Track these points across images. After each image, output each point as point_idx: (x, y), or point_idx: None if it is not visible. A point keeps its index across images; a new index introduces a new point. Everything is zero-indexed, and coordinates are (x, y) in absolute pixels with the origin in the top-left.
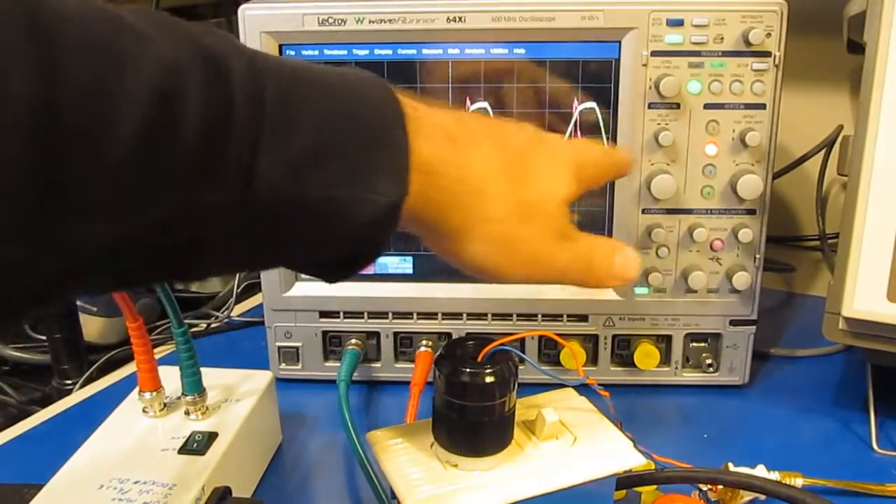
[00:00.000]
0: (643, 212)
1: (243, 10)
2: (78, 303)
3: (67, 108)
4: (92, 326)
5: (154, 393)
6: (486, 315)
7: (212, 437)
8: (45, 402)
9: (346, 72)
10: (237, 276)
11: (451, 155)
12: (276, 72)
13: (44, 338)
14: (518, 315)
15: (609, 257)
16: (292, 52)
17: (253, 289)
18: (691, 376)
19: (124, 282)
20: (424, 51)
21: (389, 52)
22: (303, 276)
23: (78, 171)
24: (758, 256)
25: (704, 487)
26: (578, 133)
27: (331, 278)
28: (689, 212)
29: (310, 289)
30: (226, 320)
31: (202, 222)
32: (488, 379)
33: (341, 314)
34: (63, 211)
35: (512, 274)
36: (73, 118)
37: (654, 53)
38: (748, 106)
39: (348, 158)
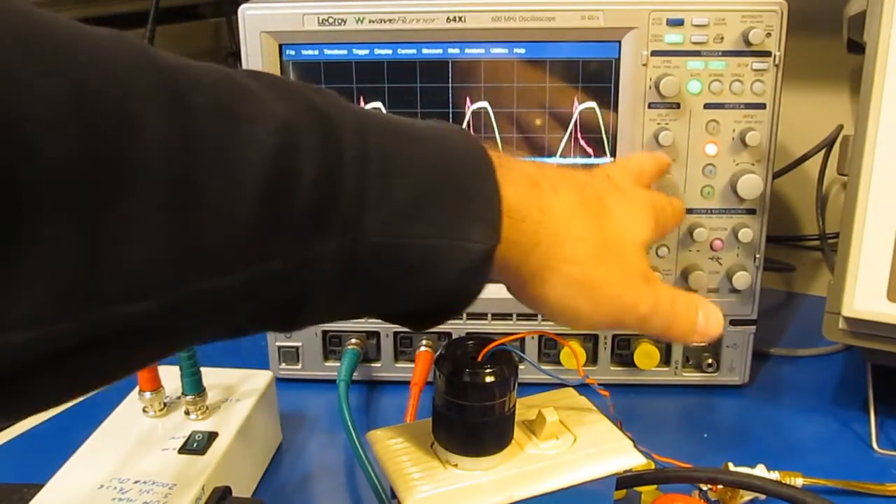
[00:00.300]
0: None
1: (243, 10)
2: None
3: (202, 174)
4: None
5: (154, 393)
6: (485, 315)
7: (212, 436)
8: None
9: (437, 125)
10: None
11: (534, 199)
12: (379, 128)
13: None
14: (518, 315)
15: (693, 312)
16: (292, 52)
17: None
18: (691, 376)
19: (234, 333)
20: (424, 50)
21: (389, 51)
22: None
23: (208, 231)
24: (758, 256)
25: (704, 487)
26: (579, 133)
27: (422, 327)
28: (689, 211)
29: None
30: None
31: (312, 274)
32: (488, 379)
33: None
34: (195, 268)
35: (592, 317)
36: (207, 183)
37: (654, 53)
38: (748, 106)
39: (445, 210)
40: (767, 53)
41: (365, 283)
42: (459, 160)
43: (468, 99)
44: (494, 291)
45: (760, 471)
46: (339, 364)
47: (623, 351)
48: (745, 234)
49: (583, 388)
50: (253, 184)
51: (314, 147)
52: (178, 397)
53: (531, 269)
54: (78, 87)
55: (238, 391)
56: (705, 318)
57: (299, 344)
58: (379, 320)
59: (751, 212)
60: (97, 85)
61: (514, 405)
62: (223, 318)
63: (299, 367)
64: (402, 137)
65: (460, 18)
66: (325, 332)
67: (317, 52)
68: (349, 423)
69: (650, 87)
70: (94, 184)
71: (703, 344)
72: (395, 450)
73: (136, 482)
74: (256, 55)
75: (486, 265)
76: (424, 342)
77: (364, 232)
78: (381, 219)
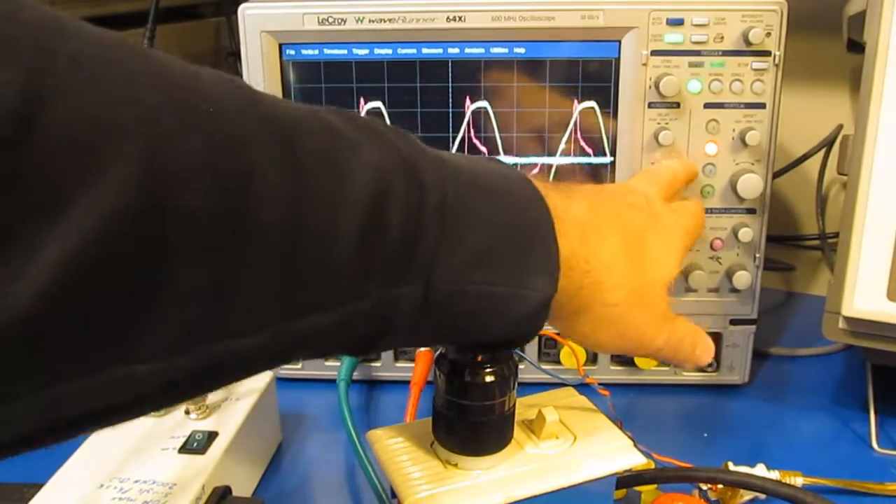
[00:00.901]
0: None
1: (243, 10)
2: None
3: (309, 221)
4: None
5: None
6: None
7: (212, 436)
8: None
9: (502, 170)
10: None
11: (582, 250)
12: (455, 175)
13: None
14: None
15: (693, 345)
16: (292, 52)
17: None
18: (691, 375)
19: (317, 357)
20: (424, 50)
21: (389, 51)
22: None
23: (310, 275)
24: (758, 256)
25: (704, 486)
26: (579, 133)
27: (487, 355)
28: None
29: None
30: None
31: (392, 313)
32: (488, 378)
33: None
34: (298, 307)
35: (614, 347)
36: (312, 229)
37: (654, 53)
38: (748, 105)
39: (508, 260)
40: (767, 53)
41: (434, 323)
42: (523, 212)
43: (468, 98)
44: None
45: (760, 470)
46: (339, 363)
47: None
48: (745, 234)
49: (583, 387)
50: (350, 231)
51: (402, 195)
52: None
53: (572, 309)
54: (208, 140)
55: (238, 391)
56: (701, 351)
57: None
58: None
59: (751, 211)
60: (221, 138)
61: (514, 405)
62: (314, 350)
63: (299, 366)
64: (475, 188)
65: (460, 18)
66: None
67: (317, 51)
68: (349, 423)
69: (650, 87)
70: (219, 230)
71: (695, 367)
72: (395, 449)
73: (136, 482)
74: (256, 55)
75: (544, 311)
76: None
77: (437, 278)
78: (453, 267)
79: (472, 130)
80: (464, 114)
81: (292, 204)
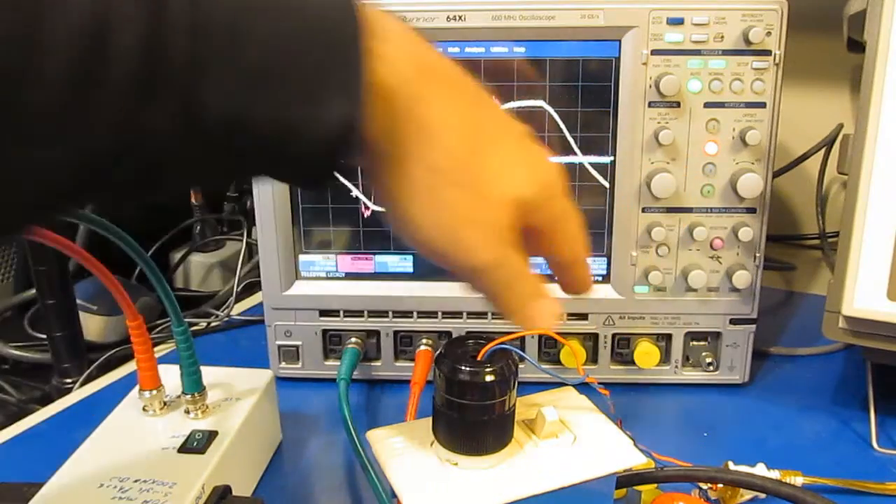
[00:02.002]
0: (643, 210)
1: None
2: (78, 301)
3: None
4: (92, 325)
5: (154, 391)
6: (486, 314)
7: (212, 435)
8: (45, 400)
9: None
10: (237, 275)
11: (414, 88)
12: None
13: (44, 336)
14: None
15: (533, 294)
16: None
17: (253, 287)
18: (691, 375)
19: (103, 207)
20: None
21: None
22: (303, 274)
23: (17, 95)
24: (758, 255)
25: (704, 486)
26: (578, 132)
27: (305, 188)
28: (689, 210)
29: (310, 287)
30: (226, 319)
31: (151, 148)
32: (488, 378)
33: (341, 313)
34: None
35: (422, 233)
36: (11, 56)
37: (655, 52)
38: (748, 104)
39: (299, 78)
40: (767, 52)
41: (219, 155)
42: (321, 24)
43: None
44: None
45: (760, 470)
46: (339, 363)
47: (623, 350)
48: (746, 233)
49: (583, 386)
50: (65, 41)
51: (131, 13)
52: (179, 396)
53: (386, 154)
54: None
55: (238, 390)
56: (542, 308)
57: (299, 343)
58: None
59: (751, 211)
60: None
61: (514, 404)
62: (69, 194)
63: (299, 366)
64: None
65: (460, 17)
66: (325, 332)
67: None
68: (349, 423)
69: (650, 86)
70: None
71: (531, 332)
72: (395, 449)
73: (136, 481)
74: None
75: (344, 140)
76: (424, 341)
77: (203, 104)
78: (224, 89)
79: None
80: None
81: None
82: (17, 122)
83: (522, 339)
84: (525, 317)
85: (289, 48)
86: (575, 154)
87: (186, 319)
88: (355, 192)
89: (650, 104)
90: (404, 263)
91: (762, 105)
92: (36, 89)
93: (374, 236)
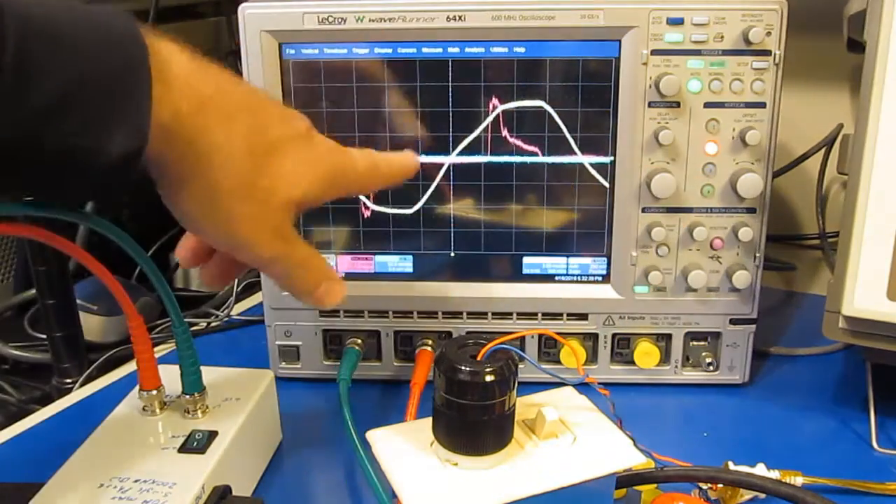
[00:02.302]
0: (643, 210)
1: (243, 9)
2: (78, 301)
3: None
4: (92, 325)
5: (154, 391)
6: (486, 314)
7: (212, 435)
8: (45, 400)
9: (101, 26)
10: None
11: (192, 119)
12: (22, 24)
13: (44, 336)
14: (518, 314)
15: (318, 278)
16: (292, 51)
17: (253, 287)
18: (691, 375)
19: None
20: (424, 49)
21: (389, 50)
22: None
23: None
24: (758, 255)
25: (704, 486)
26: (578, 132)
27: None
28: (689, 210)
29: None
30: (226, 319)
31: None
32: (488, 378)
33: (341, 313)
34: None
35: (212, 238)
36: None
37: (655, 52)
38: (748, 104)
39: (88, 115)
40: (767, 52)
41: (14, 174)
42: (111, 62)
43: (468, 98)
44: (495, 290)
45: (760, 470)
46: (339, 363)
47: (623, 350)
48: (746, 233)
49: (583, 387)
50: None
51: None
52: (179, 396)
53: (173, 178)
54: None
55: (238, 390)
56: (325, 292)
57: (299, 343)
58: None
59: (751, 211)
60: None
61: (514, 404)
62: None
63: (299, 366)
64: (51, 36)
65: (460, 17)
66: (325, 332)
67: (317, 50)
68: (349, 423)
69: (650, 86)
70: None
71: (317, 306)
72: (394, 449)
73: (136, 481)
74: (256, 54)
75: (127, 169)
76: (424, 341)
77: None
78: (13, 118)
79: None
80: (465, 113)
81: None
82: None
83: (522, 339)
84: (313, 298)
85: (81, 82)
86: (575, 154)
87: (186, 319)
88: None
89: (650, 104)
90: (404, 263)
91: (762, 105)
92: None
93: (374, 236)
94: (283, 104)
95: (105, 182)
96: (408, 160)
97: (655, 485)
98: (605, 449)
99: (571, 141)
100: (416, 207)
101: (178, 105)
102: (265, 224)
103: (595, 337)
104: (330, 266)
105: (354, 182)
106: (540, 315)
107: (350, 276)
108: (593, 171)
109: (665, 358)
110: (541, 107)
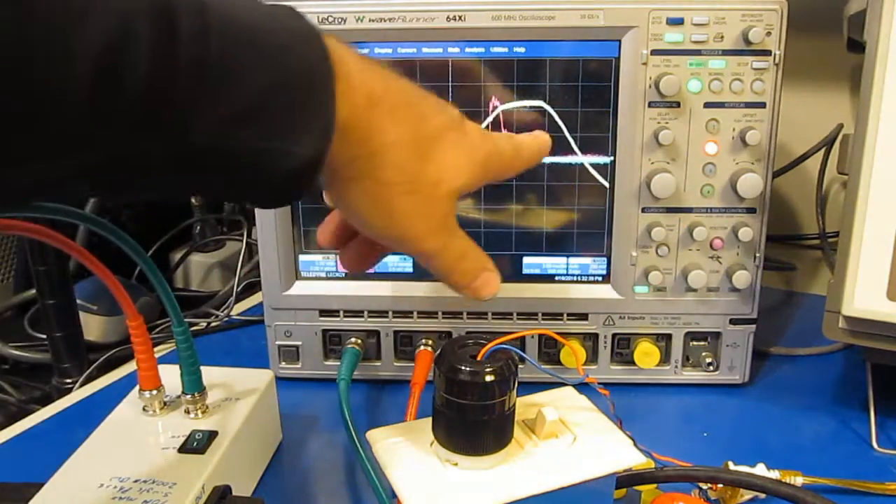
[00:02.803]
0: (643, 210)
1: None
2: (78, 301)
3: (33, 64)
4: (92, 325)
5: (154, 391)
6: (486, 314)
7: (212, 435)
8: (46, 400)
9: (289, 27)
10: (237, 275)
11: (366, 117)
12: (220, 26)
13: (44, 336)
14: (518, 314)
15: (476, 270)
16: None
17: (253, 287)
18: (691, 375)
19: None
20: (424, 49)
21: (389, 50)
22: (303, 274)
23: (27, 119)
24: (758, 255)
25: (704, 486)
26: (578, 132)
27: (263, 207)
28: (689, 210)
29: (310, 287)
30: (226, 319)
31: (138, 164)
32: (488, 378)
33: (341, 313)
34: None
35: (377, 231)
36: (36, 72)
37: (654, 52)
38: (748, 104)
39: (278, 115)
40: (767, 52)
41: (194, 177)
42: (300, 68)
43: (468, 98)
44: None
45: (760, 470)
46: (339, 363)
47: (623, 350)
48: (746, 233)
49: (583, 387)
50: (79, 79)
51: (149, 43)
52: (179, 396)
53: (344, 177)
54: None
55: (238, 390)
56: (484, 281)
57: (299, 343)
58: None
59: (751, 211)
60: None
61: (514, 404)
62: (52, 193)
63: (299, 366)
64: (246, 41)
65: (460, 17)
66: (325, 332)
67: None
68: (349, 423)
69: (650, 86)
70: None
71: (474, 298)
72: (394, 449)
73: (136, 481)
74: None
75: (312, 171)
76: (424, 341)
77: (194, 132)
78: (214, 121)
79: None
80: (465, 113)
81: (12, 42)
82: (29, 127)
83: (522, 339)
84: (471, 290)
85: (277, 86)
86: (575, 154)
87: (186, 319)
88: None
89: (650, 104)
90: (404, 263)
91: (762, 105)
92: (58, 100)
93: None
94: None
95: (285, 186)
96: (543, 140)
97: (655, 485)
98: (605, 449)
99: (571, 141)
100: None
101: (355, 101)
102: (432, 217)
103: (595, 337)
104: (488, 257)
105: (501, 167)
106: (540, 315)
107: (350, 276)
108: (593, 171)
109: (665, 358)
110: (541, 107)
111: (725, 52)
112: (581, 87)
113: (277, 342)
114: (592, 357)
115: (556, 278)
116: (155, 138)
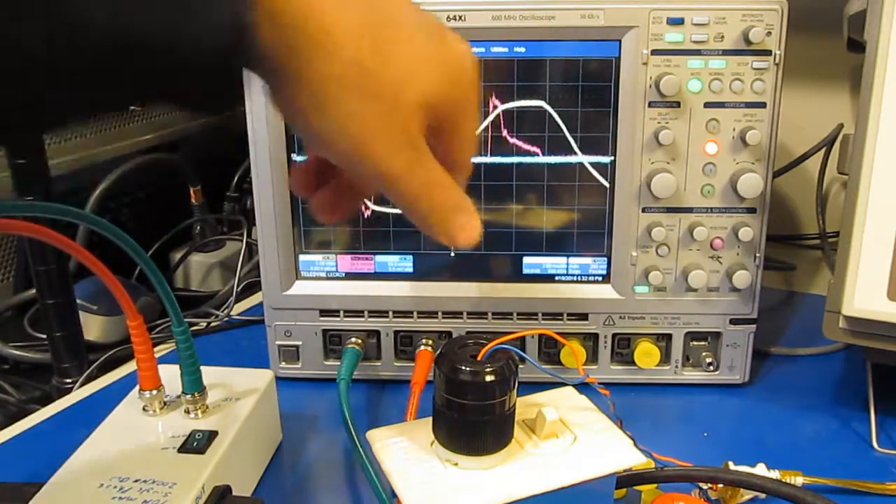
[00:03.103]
0: (643, 210)
1: None
2: (78, 301)
3: None
4: (92, 325)
5: (154, 391)
6: (486, 314)
7: (212, 435)
8: (45, 400)
9: None
10: (237, 275)
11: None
12: None
13: (44, 336)
14: (518, 314)
15: (449, 203)
16: None
17: (253, 287)
18: (691, 375)
19: None
20: None
21: None
22: (303, 274)
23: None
24: (758, 255)
25: (704, 486)
26: (578, 132)
27: (205, 110)
28: (689, 210)
29: (310, 287)
30: (226, 319)
31: (26, 67)
32: (488, 377)
33: (341, 313)
34: None
35: (333, 147)
36: None
37: (655, 52)
38: (748, 104)
39: None
40: (768, 52)
41: (109, 70)
42: None
43: None
44: (495, 290)
45: (761, 470)
46: (339, 363)
47: (623, 350)
48: (746, 233)
49: (583, 386)
50: None
51: None
52: (179, 396)
53: (285, 76)
54: None
55: (238, 390)
56: (462, 225)
57: (299, 343)
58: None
59: (751, 211)
60: None
61: (515, 404)
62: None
63: (299, 365)
64: None
65: (460, 17)
66: (325, 332)
67: None
68: (349, 423)
69: (650, 86)
70: None
71: (449, 243)
72: (395, 449)
73: (136, 481)
74: None
75: (237, 46)
76: (424, 341)
77: (89, 18)
78: (107, 2)
79: None
80: None
81: None
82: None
83: (523, 339)
84: (446, 230)
85: None
86: (575, 154)
87: (186, 319)
88: None
89: (650, 104)
90: (404, 263)
91: (762, 105)
92: None
93: (374, 236)
94: None
95: (212, 67)
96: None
97: (655, 485)
98: (605, 449)
99: (571, 141)
100: None
101: None
102: (394, 127)
103: (595, 337)
104: (468, 198)
105: (461, 94)
106: (540, 315)
107: (350, 276)
108: (593, 171)
109: (665, 358)
110: (541, 107)
111: (726, 52)
112: (581, 87)
113: (277, 342)
114: (592, 357)
115: (557, 278)
116: (31, 27)
